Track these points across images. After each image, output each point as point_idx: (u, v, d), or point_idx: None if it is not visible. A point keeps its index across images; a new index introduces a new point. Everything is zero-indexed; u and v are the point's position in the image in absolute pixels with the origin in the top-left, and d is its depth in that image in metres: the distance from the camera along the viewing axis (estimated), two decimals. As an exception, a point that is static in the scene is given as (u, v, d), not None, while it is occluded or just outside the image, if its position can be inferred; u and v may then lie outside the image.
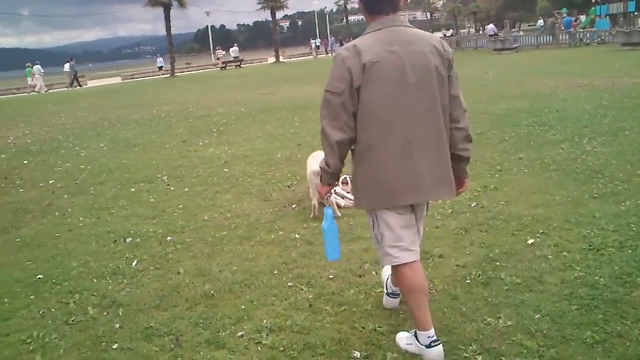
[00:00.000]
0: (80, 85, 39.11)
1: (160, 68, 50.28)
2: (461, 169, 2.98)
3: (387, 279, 3.41)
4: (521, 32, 51.70)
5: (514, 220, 4.76)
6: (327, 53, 62.41)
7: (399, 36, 2.72)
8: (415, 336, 2.92)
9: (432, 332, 2.87)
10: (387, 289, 3.43)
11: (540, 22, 57.60)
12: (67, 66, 40.35)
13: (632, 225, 4.37)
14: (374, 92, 2.66)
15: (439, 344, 2.86)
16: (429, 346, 2.85)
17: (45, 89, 36.90)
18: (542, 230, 4.47)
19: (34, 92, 36.17)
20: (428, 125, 2.72)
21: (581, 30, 35.70)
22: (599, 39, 31.93)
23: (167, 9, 43.32)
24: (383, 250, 2.88)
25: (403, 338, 3.05)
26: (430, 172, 2.74)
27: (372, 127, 2.70)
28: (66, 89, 38.06)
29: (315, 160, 5.52)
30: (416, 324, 2.92)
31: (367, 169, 2.76)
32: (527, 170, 6.33)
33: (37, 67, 37.14)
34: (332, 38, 67.28)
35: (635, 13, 41.36)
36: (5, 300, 4.08)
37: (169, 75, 42.71)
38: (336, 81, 2.70)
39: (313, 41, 65.75)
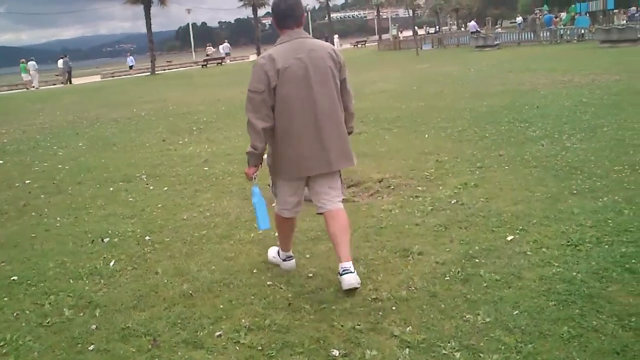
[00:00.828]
0: (71, 82, 39.50)
1: (131, 67, 48.46)
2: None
3: (278, 250, 4.21)
4: (501, 29, 52.01)
5: (493, 217, 4.77)
6: None
7: (302, 46, 3.59)
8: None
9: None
10: (281, 258, 4.15)
11: (519, 19, 58.15)
12: (60, 62, 40.88)
13: (609, 221, 4.40)
14: (287, 90, 3.51)
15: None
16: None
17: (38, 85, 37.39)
18: (521, 227, 4.48)
19: (32, 88, 36.71)
20: (330, 112, 3.62)
21: (562, 27, 36.03)
22: (578, 36, 32.24)
23: (147, 6, 43.06)
24: (276, 203, 3.92)
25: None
26: (333, 148, 3.63)
27: (286, 116, 3.56)
28: (62, 85, 38.68)
29: None
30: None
31: (283, 149, 3.62)
32: (508, 167, 6.36)
33: (31, 63, 37.98)
34: None
35: (615, 11, 41.91)
36: (-21, 302, 4.00)
37: (149, 73, 42.41)
38: (256, 82, 3.53)
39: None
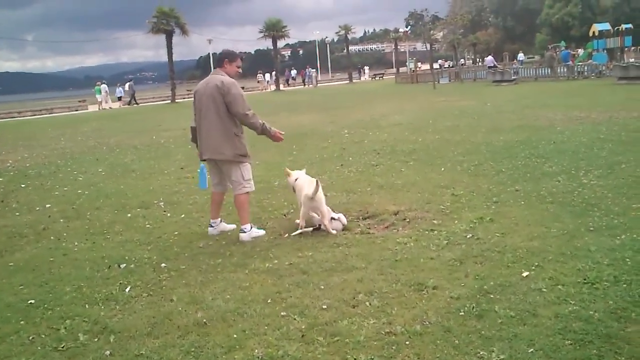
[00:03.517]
0: (137, 103, 44.64)
1: (119, 98, 46.87)
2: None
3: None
4: (517, 64, 52.17)
5: (509, 252, 4.75)
6: (304, 84, 61.00)
7: (209, 79, 5.82)
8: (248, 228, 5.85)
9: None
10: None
11: (521, 55, 58.58)
12: (126, 86, 46.27)
13: (628, 260, 4.36)
14: (196, 104, 5.87)
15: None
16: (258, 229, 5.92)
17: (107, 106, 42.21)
18: (537, 263, 4.45)
19: (106, 108, 41.32)
20: (207, 118, 5.70)
21: (579, 63, 36.08)
22: (596, 72, 32.24)
23: (169, 36, 43.94)
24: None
25: (245, 235, 5.80)
26: (204, 143, 5.80)
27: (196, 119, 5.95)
28: (127, 106, 43.18)
29: (307, 184, 5.66)
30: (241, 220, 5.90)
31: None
32: (524, 202, 6.34)
33: (103, 87, 42.95)
34: (310, 70, 63.74)
35: (632, 48, 41.91)
36: (-4, 325, 4.04)
37: (169, 101, 43.05)
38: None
39: (290, 72, 65.42)
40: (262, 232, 5.94)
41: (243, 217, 5.87)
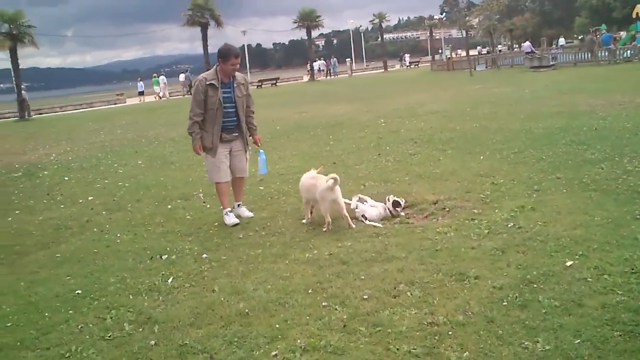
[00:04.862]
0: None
1: (141, 93, 45.57)
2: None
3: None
4: (558, 49, 50.98)
5: (551, 241, 4.67)
6: (328, 75, 57.75)
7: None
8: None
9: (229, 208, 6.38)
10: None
11: (562, 40, 56.70)
12: (182, 76, 47.84)
13: (677, 248, 4.24)
14: None
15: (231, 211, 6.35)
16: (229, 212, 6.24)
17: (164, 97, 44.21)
18: (581, 252, 4.36)
19: (164, 99, 43.25)
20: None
21: (621, 47, 35.06)
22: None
23: (204, 28, 44.35)
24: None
25: (231, 216, 6.27)
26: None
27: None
28: (184, 96, 44.08)
29: (322, 178, 5.64)
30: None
31: None
32: (565, 190, 6.21)
33: (162, 78, 45.96)
34: (335, 59, 61.86)
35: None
36: (46, 314, 4.16)
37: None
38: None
39: (316, 62, 58.86)
40: (233, 220, 6.20)
41: (220, 201, 6.44)
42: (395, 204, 6.01)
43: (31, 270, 5.25)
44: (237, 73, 6.21)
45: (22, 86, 34.62)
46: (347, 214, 5.70)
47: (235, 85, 6.19)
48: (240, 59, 6.16)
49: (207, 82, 6.04)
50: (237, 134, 6.34)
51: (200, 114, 6.08)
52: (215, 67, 6.20)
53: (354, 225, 5.67)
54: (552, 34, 78.62)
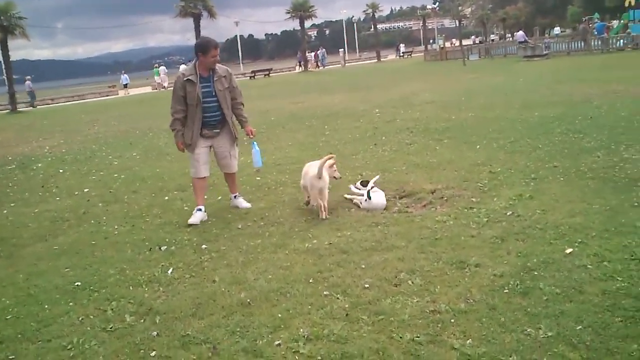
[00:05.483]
0: None
1: (125, 86, 47.07)
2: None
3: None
4: (552, 38, 51.01)
5: (551, 229, 4.68)
6: (317, 67, 57.21)
7: None
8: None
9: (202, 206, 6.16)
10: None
11: (557, 29, 56.51)
12: (182, 67, 44.51)
13: (675, 235, 4.26)
14: None
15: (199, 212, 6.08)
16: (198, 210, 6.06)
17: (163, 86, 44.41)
18: (580, 240, 4.38)
19: (163, 89, 43.13)
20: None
21: (614, 35, 35.11)
22: (633, 44, 31.35)
23: (197, 19, 44.06)
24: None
25: (196, 215, 6.01)
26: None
27: None
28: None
29: (313, 166, 5.74)
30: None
31: None
32: (563, 179, 6.23)
33: (162, 68, 46.81)
34: (323, 50, 61.21)
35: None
36: (46, 306, 4.14)
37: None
38: None
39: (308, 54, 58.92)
40: (193, 220, 5.97)
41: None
42: (364, 183, 6.17)
43: (29, 263, 5.23)
44: (218, 65, 6.01)
45: (28, 77, 34.88)
46: (326, 205, 5.72)
47: (215, 78, 5.96)
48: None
49: (185, 78, 5.89)
50: (218, 130, 6.21)
51: (181, 110, 5.99)
52: (194, 62, 6.01)
53: (326, 217, 5.67)
54: (546, 23, 78.68)
